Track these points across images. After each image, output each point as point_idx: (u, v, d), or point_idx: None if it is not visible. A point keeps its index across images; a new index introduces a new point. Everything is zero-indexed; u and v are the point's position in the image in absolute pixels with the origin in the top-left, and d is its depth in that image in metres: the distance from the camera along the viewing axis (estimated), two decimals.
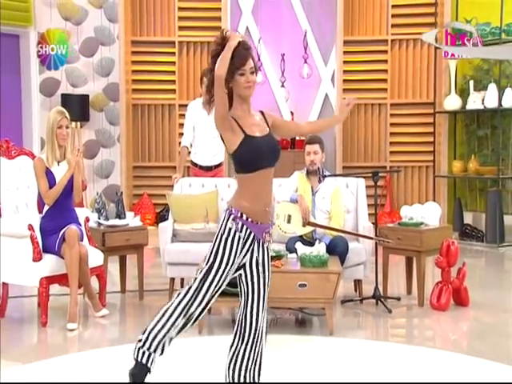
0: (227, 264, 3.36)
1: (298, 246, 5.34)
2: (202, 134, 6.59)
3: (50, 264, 5.23)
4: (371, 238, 5.69)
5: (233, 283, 3.54)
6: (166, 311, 3.43)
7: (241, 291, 3.51)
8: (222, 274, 3.37)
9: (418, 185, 9.76)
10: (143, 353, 3.46)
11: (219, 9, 9.69)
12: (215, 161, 6.90)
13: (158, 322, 3.44)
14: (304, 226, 5.59)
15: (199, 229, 5.92)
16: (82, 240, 5.33)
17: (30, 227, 5.20)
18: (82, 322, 5.31)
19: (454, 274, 5.71)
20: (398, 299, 5.87)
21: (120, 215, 6.11)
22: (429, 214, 5.92)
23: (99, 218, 5.96)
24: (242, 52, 3.30)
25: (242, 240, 3.36)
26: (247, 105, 3.41)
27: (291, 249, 5.36)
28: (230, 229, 3.35)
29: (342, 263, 5.33)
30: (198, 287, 3.38)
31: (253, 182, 3.38)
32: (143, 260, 6.04)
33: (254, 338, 3.44)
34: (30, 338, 5.22)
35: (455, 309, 5.67)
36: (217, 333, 5.06)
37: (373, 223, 5.91)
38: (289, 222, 5.65)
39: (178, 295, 3.43)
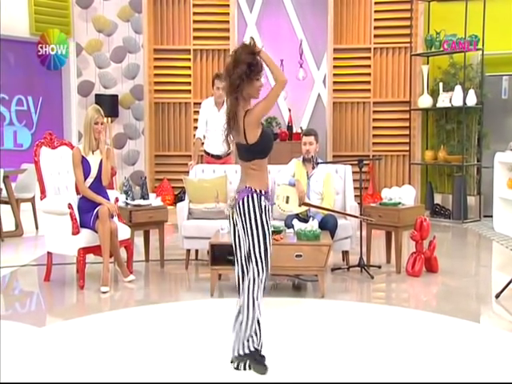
0: (271, 233, 3.36)
1: (295, 222, 5.31)
2: (213, 128, 6.53)
3: (86, 237, 5.23)
4: (356, 217, 5.66)
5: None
6: (250, 302, 3.37)
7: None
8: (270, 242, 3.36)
9: (396, 171, 9.70)
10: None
11: (228, 21, 9.62)
12: (224, 150, 6.85)
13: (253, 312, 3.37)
14: (300, 205, 5.56)
15: (211, 208, 5.89)
16: (112, 217, 5.31)
17: (70, 206, 5.19)
18: (113, 285, 5.31)
19: (426, 245, 5.70)
20: (379, 267, 5.86)
21: (144, 196, 6.09)
22: (405, 195, 5.89)
23: (127, 199, 5.93)
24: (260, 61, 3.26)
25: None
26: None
27: (289, 225, 5.34)
28: (264, 206, 3.31)
29: (332, 237, 5.30)
30: (264, 264, 3.35)
31: (265, 164, 3.40)
32: (164, 234, 6.03)
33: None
34: (70, 299, 5.22)
35: (427, 275, 5.66)
36: (226, 296, 5.03)
37: (358, 203, 5.87)
38: (287, 202, 5.62)
39: (249, 288, 3.39)
